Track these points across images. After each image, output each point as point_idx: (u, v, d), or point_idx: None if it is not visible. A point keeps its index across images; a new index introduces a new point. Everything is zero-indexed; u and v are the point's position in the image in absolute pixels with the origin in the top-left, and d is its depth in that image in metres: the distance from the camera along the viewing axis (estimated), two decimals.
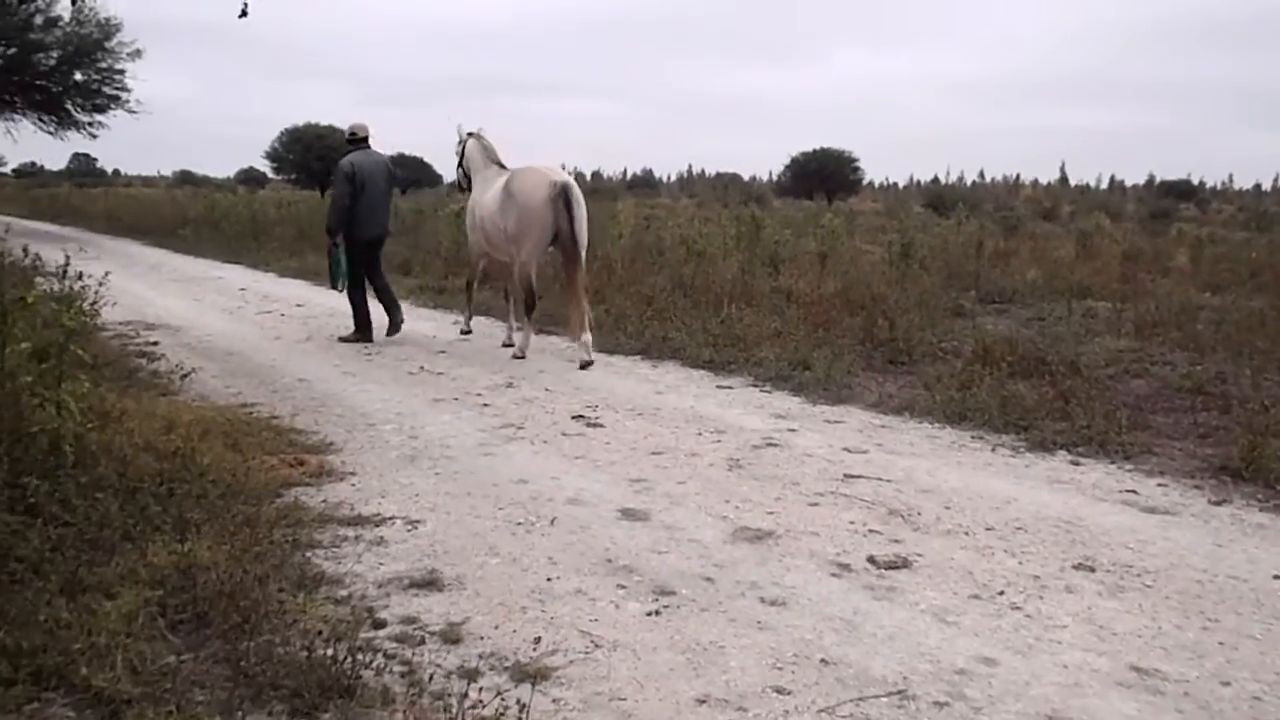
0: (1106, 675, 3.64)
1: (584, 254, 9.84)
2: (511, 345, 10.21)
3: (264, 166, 66.78)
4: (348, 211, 10.38)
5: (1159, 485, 5.93)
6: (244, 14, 6.72)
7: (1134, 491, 5.82)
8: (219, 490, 4.93)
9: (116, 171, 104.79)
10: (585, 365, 9.21)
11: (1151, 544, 4.97)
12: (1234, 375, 8.37)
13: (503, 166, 10.57)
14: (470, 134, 11.05)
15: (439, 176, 78.25)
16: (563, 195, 9.44)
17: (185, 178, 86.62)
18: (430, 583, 4.29)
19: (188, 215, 27.80)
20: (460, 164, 11.19)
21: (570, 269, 9.63)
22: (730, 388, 8.53)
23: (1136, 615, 4.16)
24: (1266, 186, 73.52)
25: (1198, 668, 3.71)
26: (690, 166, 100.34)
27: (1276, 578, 4.57)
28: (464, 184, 11.14)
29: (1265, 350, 9.01)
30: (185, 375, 7.75)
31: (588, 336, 9.37)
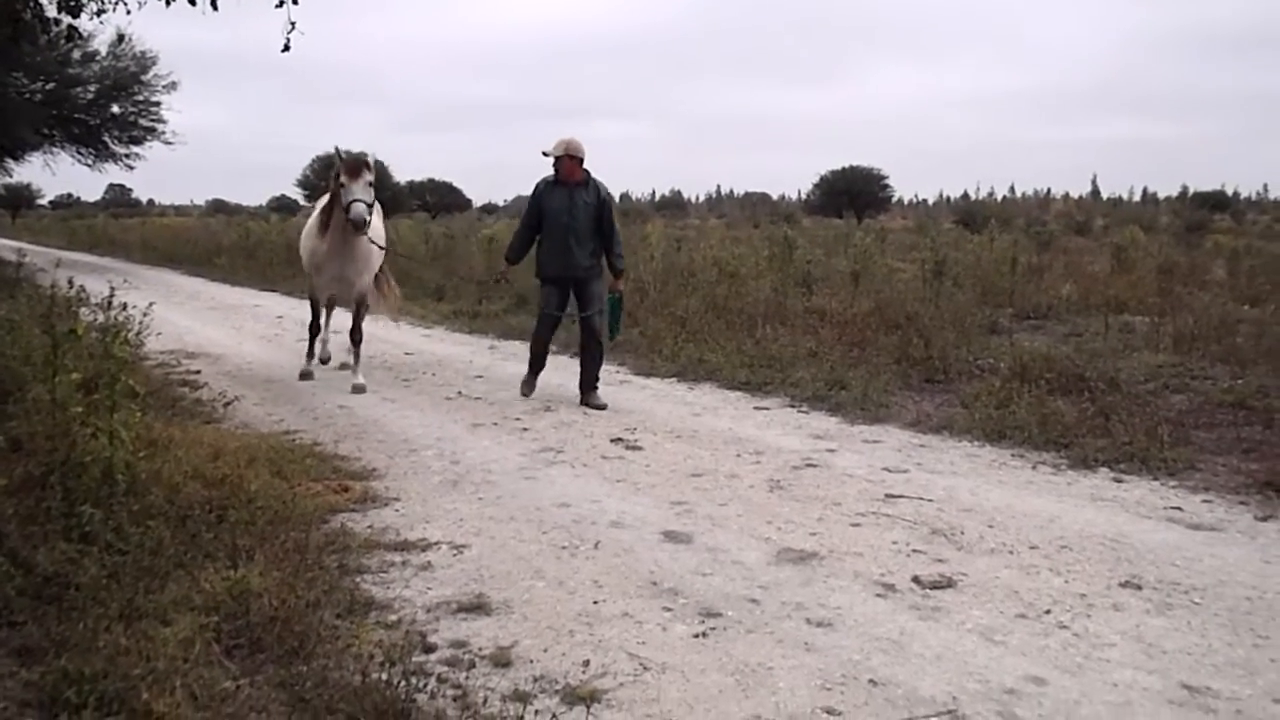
0: (1158, 694, 3.62)
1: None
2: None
3: (296, 194, 67.56)
4: (520, 244, 9.23)
5: (1204, 501, 5.90)
6: (286, 48, 6.84)
7: (1179, 508, 5.79)
8: (267, 517, 4.99)
9: (151, 201, 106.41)
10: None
11: (1198, 561, 4.94)
12: (1276, 389, 8.29)
13: None
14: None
15: (469, 201, 78.94)
16: None
17: (218, 206, 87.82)
18: (478, 607, 4.32)
19: (222, 244, 28.17)
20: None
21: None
22: (767, 409, 8.54)
23: (1185, 633, 4.14)
24: None
25: (1250, 685, 3.69)
26: (719, 187, 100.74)
27: None
28: None
29: None
30: (228, 403, 7.86)
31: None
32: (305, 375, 9.94)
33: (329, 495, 5.76)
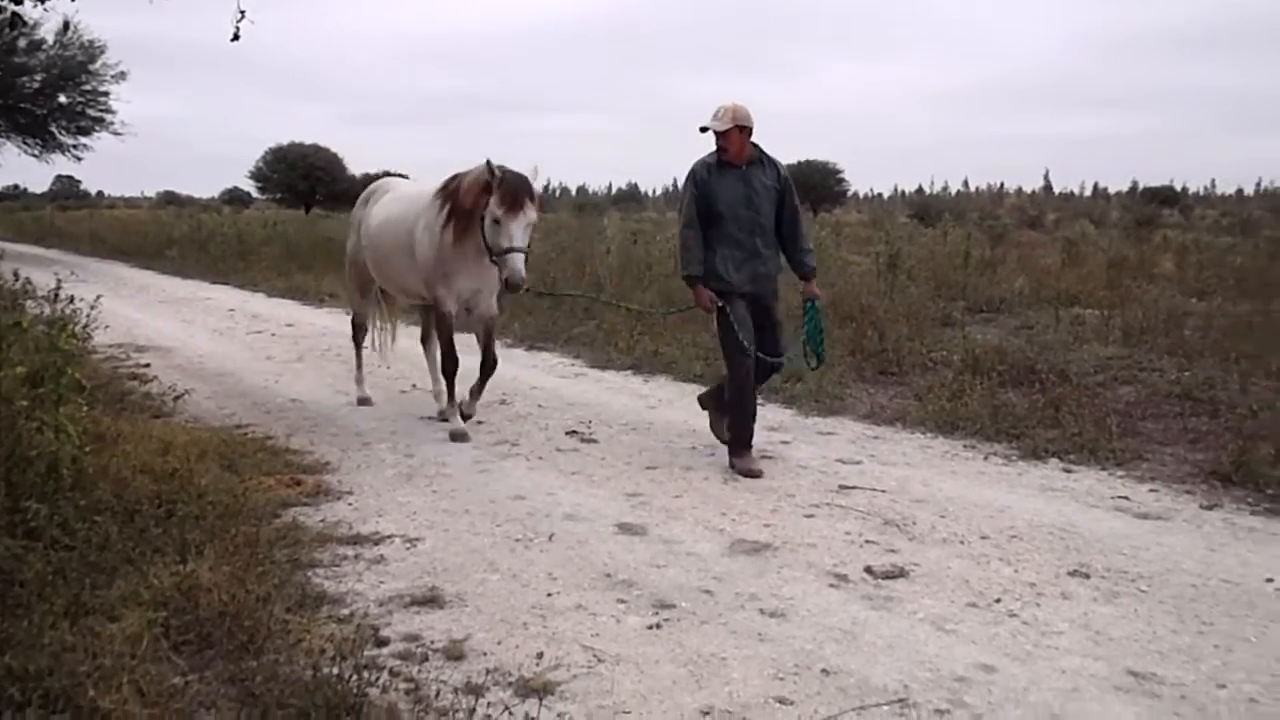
0: (1104, 680, 3.67)
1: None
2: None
3: (249, 186, 66.86)
4: (695, 248, 6.58)
5: (1151, 491, 5.99)
6: (236, 38, 6.74)
7: (1126, 498, 5.87)
8: (217, 511, 4.94)
9: (100, 193, 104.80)
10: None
11: (1145, 549, 5.02)
12: (1222, 380, 8.43)
13: None
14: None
15: None
16: None
17: (169, 198, 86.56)
18: (431, 600, 4.31)
19: (173, 236, 27.78)
20: None
21: None
22: None
23: (1132, 620, 4.20)
24: (1249, 191, 74.00)
25: (1194, 671, 3.75)
26: (675, 180, 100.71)
27: (1269, 580, 4.62)
28: None
29: (1252, 355, 9.08)
30: (178, 397, 7.76)
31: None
32: (363, 401, 8.43)
33: (281, 489, 5.71)
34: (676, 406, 8.34)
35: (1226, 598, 4.43)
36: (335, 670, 3.38)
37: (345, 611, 4.14)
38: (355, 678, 3.35)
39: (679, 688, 3.58)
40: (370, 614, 4.15)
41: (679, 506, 5.67)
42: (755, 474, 6.27)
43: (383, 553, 4.88)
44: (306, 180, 60.10)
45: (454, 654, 3.80)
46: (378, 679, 3.46)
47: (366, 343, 8.91)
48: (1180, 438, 7.09)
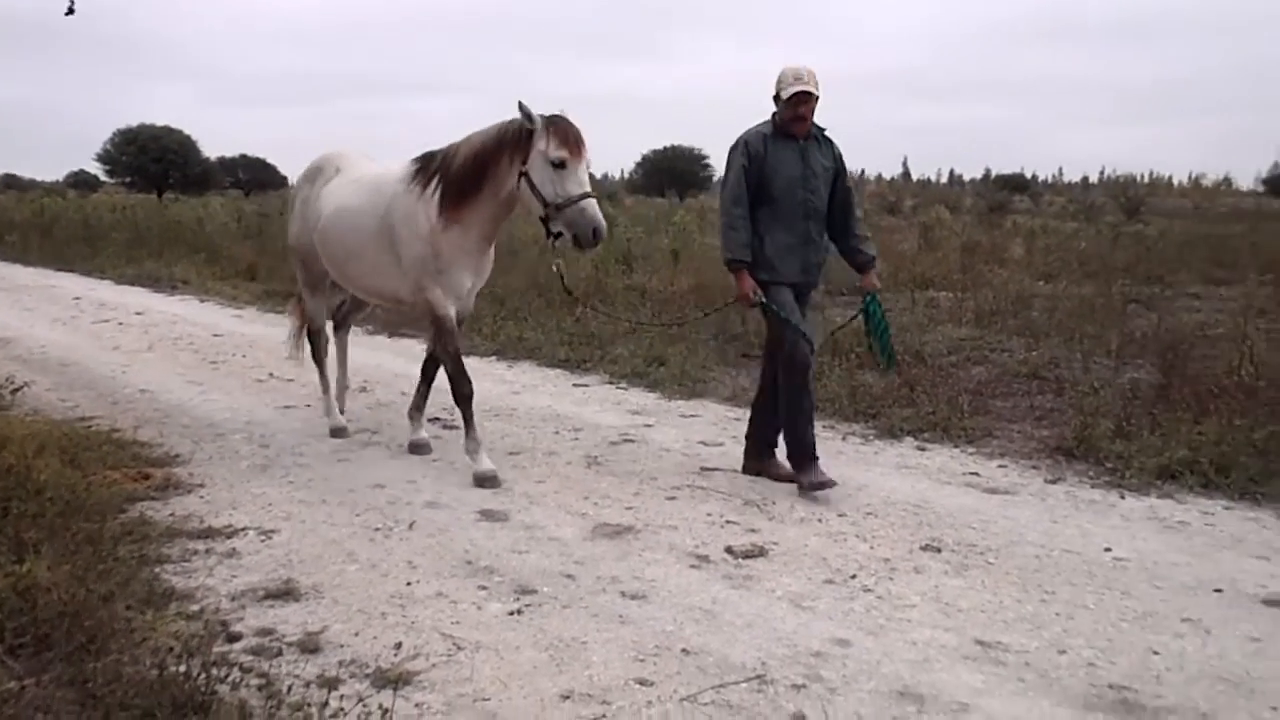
0: (953, 650, 3.79)
1: None
2: None
3: (96, 170, 64.28)
4: (743, 229, 5.78)
5: (999, 466, 6.20)
6: (70, 11, 6.42)
7: (976, 473, 6.07)
8: (58, 508, 4.70)
9: None
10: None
11: (993, 523, 5.19)
12: (1066, 359, 8.80)
13: None
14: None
15: (284, 178, 76.56)
16: None
17: (9, 182, 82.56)
18: (286, 593, 4.20)
19: (14, 220, 26.48)
20: None
21: None
22: (586, 385, 8.57)
23: (980, 591, 4.35)
24: (1094, 179, 77.11)
25: (1037, 638, 3.90)
26: None
27: (1107, 550, 4.83)
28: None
29: (1094, 335, 9.51)
30: (16, 390, 7.38)
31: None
32: (338, 432, 6.92)
33: (127, 483, 5.49)
34: (540, 392, 8.31)
35: (1068, 567, 4.62)
36: (182, 668, 3.26)
37: (195, 607, 4.01)
38: (203, 675, 3.24)
39: (539, 673, 3.57)
40: (221, 609, 4.02)
41: (541, 492, 5.65)
42: (830, 484, 5.59)
43: (236, 546, 4.74)
44: (159, 163, 58.11)
45: (309, 647, 3.72)
46: (228, 675, 3.35)
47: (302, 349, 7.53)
48: (1027, 415, 7.36)
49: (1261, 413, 6.43)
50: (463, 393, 6.06)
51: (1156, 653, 3.78)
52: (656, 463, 6.23)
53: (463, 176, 5.83)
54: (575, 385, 8.59)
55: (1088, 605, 4.21)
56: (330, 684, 3.39)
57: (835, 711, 3.33)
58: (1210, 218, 31.38)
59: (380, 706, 3.13)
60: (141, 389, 8.21)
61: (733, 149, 5.85)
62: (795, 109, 5.70)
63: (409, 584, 4.34)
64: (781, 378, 5.90)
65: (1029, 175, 75.58)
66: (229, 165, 71.68)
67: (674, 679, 3.54)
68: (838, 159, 5.95)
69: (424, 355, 6.81)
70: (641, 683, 3.51)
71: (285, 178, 76.93)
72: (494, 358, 9.84)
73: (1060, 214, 36.62)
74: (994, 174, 78.17)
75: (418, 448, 6.49)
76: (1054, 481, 5.93)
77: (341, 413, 7.05)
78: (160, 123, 60.15)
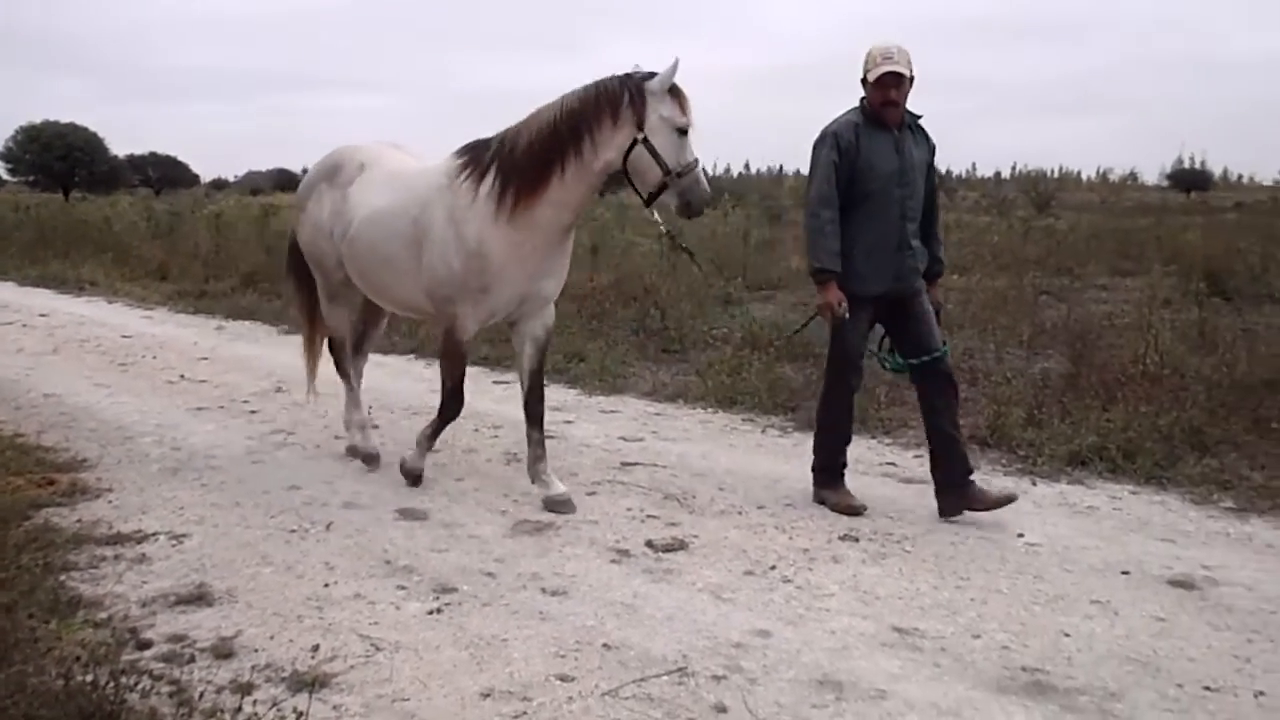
0: (871, 637, 3.84)
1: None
2: None
3: None
4: (833, 236, 5.15)
5: (915, 457, 6.28)
6: None
7: (893, 464, 6.16)
8: None
9: None
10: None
11: (910, 512, 5.27)
12: (980, 350, 8.96)
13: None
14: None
15: (195, 176, 75.07)
16: None
17: None
18: (199, 598, 4.11)
19: None
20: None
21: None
22: (506, 383, 8.51)
23: (897, 579, 4.41)
24: (1006, 174, 78.50)
25: (952, 624, 3.97)
26: None
27: (1020, 535, 4.94)
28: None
29: (1007, 326, 9.70)
30: None
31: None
32: (370, 458, 6.10)
33: (31, 490, 5.33)
34: None
35: (982, 554, 4.71)
36: (89, 677, 3.17)
37: (103, 615, 3.90)
38: (112, 684, 3.15)
39: (460, 671, 3.54)
40: (131, 616, 3.92)
41: (461, 490, 5.61)
42: (857, 510, 5.23)
43: (146, 551, 4.62)
44: (64, 161, 56.56)
45: (222, 652, 3.64)
46: (137, 683, 3.26)
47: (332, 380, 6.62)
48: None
49: (1166, 400, 6.62)
50: (445, 415, 5.58)
51: (1067, 634, 3.87)
52: (577, 458, 6.21)
53: (539, 156, 5.04)
54: (495, 382, 8.54)
55: (1001, 590, 4.29)
56: (244, 689, 3.32)
57: (755, 701, 3.35)
58: (1117, 212, 32.22)
59: (295, 710, 3.08)
60: (47, 393, 7.97)
61: (818, 142, 5.22)
62: (885, 92, 5.08)
63: (326, 585, 4.27)
64: (825, 398, 5.46)
65: (943, 170, 76.66)
66: (138, 163, 70.00)
67: (595, 674, 3.54)
68: (932, 152, 5.38)
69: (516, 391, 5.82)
70: (562, 679, 3.50)
71: (197, 176, 75.50)
72: (412, 355, 9.76)
73: (974, 208, 37.21)
74: None
75: (556, 505, 5.30)
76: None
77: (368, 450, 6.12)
78: (65, 119, 58.57)
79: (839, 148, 5.10)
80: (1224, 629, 3.94)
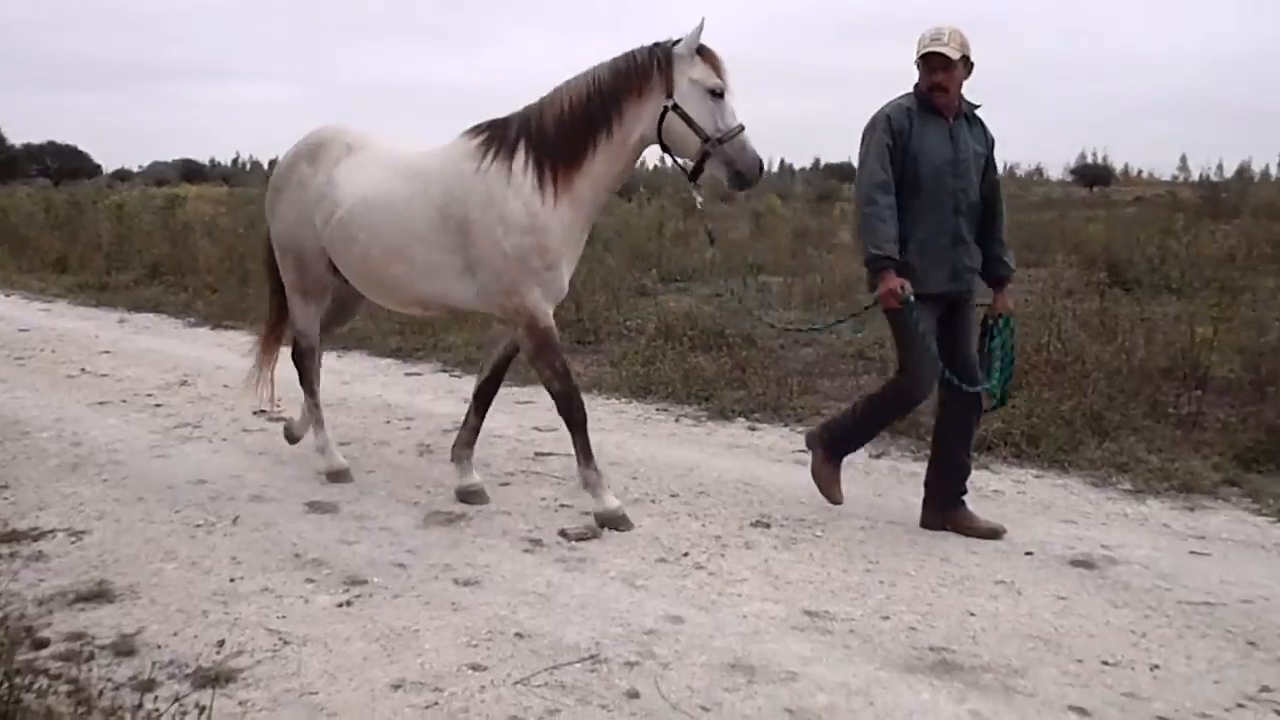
0: (783, 621, 3.88)
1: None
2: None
3: None
4: (891, 221, 4.73)
5: None
6: None
7: (805, 450, 6.20)
8: None
9: None
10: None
11: (820, 498, 5.32)
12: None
13: None
14: None
15: (97, 166, 73.04)
16: None
17: None
18: (99, 595, 4.00)
19: None
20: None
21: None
22: (419, 374, 8.45)
23: (808, 564, 4.46)
24: None
25: (861, 606, 4.02)
26: None
27: None
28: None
29: None
30: None
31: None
32: (340, 475, 5.61)
33: None
34: (371, 381, 8.15)
35: (890, 537, 4.79)
36: None
37: None
38: (6, 684, 3.05)
39: (370, 663, 3.49)
40: (27, 615, 3.80)
41: (372, 482, 5.54)
42: (836, 500, 5.07)
43: (42, 548, 4.49)
44: None
45: (123, 650, 3.55)
46: (34, 683, 3.16)
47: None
48: (853, 394, 7.53)
49: (1068, 386, 6.78)
50: (576, 420, 5.04)
51: (973, 614, 3.95)
52: (490, 450, 6.16)
53: (573, 132, 4.81)
54: (408, 374, 8.46)
55: (909, 572, 4.36)
56: (146, 686, 3.24)
57: (668, 686, 3.36)
58: (1023, 205, 32.84)
59: (197, 705, 3.00)
60: None
61: (870, 126, 4.83)
62: (931, 75, 4.73)
63: (232, 580, 4.19)
64: (891, 390, 5.04)
65: (855, 164, 77.72)
66: (36, 153, 67.98)
67: (507, 663, 3.52)
68: (990, 144, 4.97)
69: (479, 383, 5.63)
70: (474, 668, 3.47)
71: (99, 166, 73.39)
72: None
73: None
74: (823, 163, 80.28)
75: (468, 495, 5.25)
76: (877, 456, 6.13)
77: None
78: None
79: (892, 131, 4.73)
80: (1122, 606, 4.05)
